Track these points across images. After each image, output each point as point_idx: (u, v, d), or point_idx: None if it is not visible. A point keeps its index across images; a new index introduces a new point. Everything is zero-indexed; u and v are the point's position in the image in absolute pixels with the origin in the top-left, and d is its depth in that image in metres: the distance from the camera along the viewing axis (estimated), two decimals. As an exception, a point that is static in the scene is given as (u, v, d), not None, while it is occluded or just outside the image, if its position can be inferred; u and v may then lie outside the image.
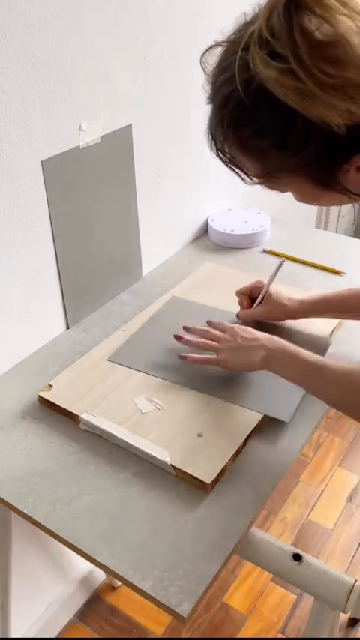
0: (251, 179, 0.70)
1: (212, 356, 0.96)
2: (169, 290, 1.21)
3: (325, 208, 2.18)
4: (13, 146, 0.90)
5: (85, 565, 1.49)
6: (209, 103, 0.68)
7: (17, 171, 0.93)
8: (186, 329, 1.02)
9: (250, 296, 1.09)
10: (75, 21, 0.93)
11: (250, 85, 0.60)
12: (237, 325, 0.98)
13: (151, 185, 1.24)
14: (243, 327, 0.97)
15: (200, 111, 1.38)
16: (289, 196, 0.73)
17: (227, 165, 0.70)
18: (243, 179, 0.71)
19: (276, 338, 0.91)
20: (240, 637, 1.46)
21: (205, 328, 1.00)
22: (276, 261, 1.07)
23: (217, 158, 0.70)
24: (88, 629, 1.47)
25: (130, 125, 1.12)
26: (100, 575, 1.55)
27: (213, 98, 0.66)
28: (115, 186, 1.13)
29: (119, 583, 1.55)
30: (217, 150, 0.69)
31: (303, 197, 0.71)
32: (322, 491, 1.80)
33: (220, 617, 1.49)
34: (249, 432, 0.87)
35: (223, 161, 0.70)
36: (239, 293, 1.09)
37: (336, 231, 2.34)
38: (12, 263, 0.98)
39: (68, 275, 1.10)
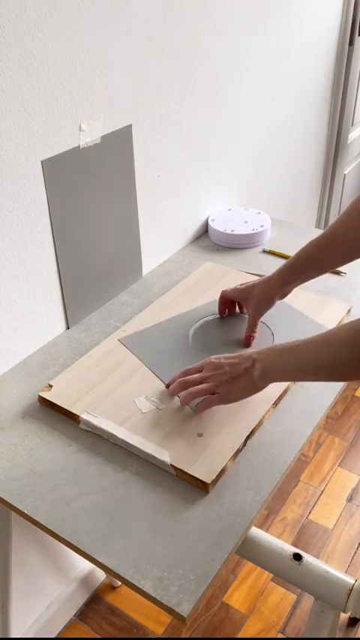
0: None
1: (211, 396, 0.88)
2: (169, 290, 1.22)
3: (324, 209, 2.18)
4: (13, 146, 0.90)
5: (85, 565, 1.49)
6: None
7: (17, 172, 0.93)
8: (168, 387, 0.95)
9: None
10: (75, 21, 0.93)
11: None
12: (210, 358, 0.89)
13: (151, 185, 1.24)
14: (216, 355, 0.89)
15: (200, 111, 1.38)
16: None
17: None
18: None
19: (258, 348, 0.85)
20: (240, 637, 1.46)
21: (180, 378, 0.91)
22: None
23: None
24: (88, 629, 1.47)
25: (130, 125, 1.12)
26: (100, 575, 1.55)
27: None
28: (115, 186, 1.13)
29: (119, 583, 1.55)
30: None
31: None
32: (322, 491, 1.80)
33: (220, 617, 1.49)
34: (249, 431, 0.87)
35: None
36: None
37: (336, 231, 2.33)
38: (12, 263, 0.98)
39: (68, 275, 1.10)
